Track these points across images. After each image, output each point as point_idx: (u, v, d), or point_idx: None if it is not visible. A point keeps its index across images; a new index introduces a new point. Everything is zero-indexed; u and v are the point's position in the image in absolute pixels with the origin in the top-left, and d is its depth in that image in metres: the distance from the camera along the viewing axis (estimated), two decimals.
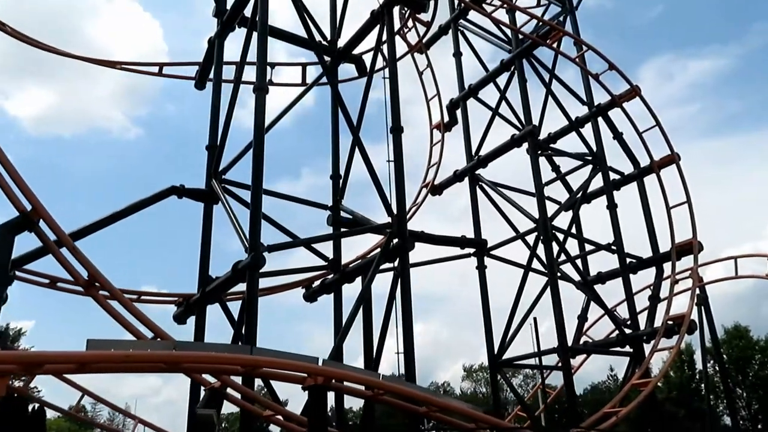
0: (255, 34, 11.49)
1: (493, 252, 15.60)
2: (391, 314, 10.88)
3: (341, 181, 13.46)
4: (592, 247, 17.10)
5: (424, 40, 19.25)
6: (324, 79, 14.66)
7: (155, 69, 15.00)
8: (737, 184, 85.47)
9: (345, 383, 6.38)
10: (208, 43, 14.22)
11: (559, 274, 15.88)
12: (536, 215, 14.44)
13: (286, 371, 6.05)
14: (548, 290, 15.76)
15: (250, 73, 16.33)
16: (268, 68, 16.28)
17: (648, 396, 12.08)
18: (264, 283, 14.64)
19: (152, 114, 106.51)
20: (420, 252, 14.97)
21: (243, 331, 10.07)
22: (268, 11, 11.56)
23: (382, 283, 11.68)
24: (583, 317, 16.62)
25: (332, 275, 13.11)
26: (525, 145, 16.92)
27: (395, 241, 11.15)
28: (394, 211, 11.27)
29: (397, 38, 18.57)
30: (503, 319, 14.70)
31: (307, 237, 11.60)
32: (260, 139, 10.28)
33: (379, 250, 11.51)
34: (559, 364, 15.66)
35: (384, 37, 12.89)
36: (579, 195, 16.68)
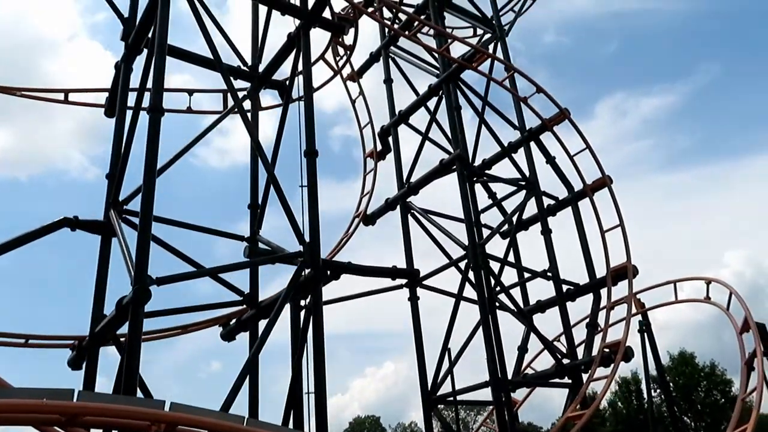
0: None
1: (426, 282, 14.92)
2: (303, 355, 10.04)
3: (258, 211, 12.69)
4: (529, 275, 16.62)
5: (356, 68, 18.94)
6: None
7: (61, 96, 14.01)
8: (695, 216, 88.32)
9: (197, 430, 5.46)
10: (114, 68, 13.38)
11: (498, 304, 15.51)
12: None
13: (120, 419, 5.14)
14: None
15: (167, 101, 15.55)
16: (186, 95, 15.82)
17: (583, 429, 11.38)
18: (173, 321, 13.62)
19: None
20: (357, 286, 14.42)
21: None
22: (167, 28, 10.82)
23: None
24: (523, 348, 16.02)
25: (249, 311, 12.22)
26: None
27: (307, 271, 10.37)
28: (306, 239, 10.50)
29: (325, 66, 18.32)
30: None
31: (209, 267, 10.63)
32: (152, 163, 9.40)
33: None
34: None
35: (300, 61, 12.36)
36: (514, 221, 16.31)
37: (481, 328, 13.28)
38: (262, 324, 12.21)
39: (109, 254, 10.98)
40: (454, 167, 14.30)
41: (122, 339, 10.98)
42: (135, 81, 12.14)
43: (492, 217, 17.44)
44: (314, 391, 9.52)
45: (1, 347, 11.44)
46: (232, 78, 14.54)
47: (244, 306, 12.47)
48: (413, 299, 14.51)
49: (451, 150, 15.29)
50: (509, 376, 15.10)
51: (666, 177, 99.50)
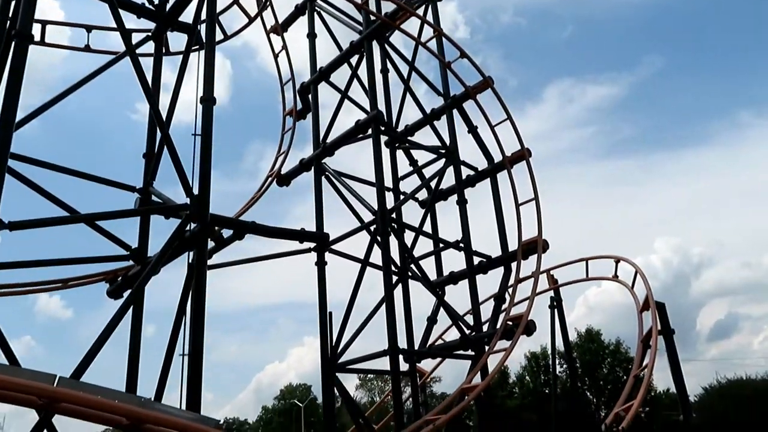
0: None
1: (336, 248, 14.39)
2: (183, 318, 9.37)
3: (153, 161, 11.77)
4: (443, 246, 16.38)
5: (280, 21, 17.95)
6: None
7: None
8: (630, 203, 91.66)
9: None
10: None
11: (410, 274, 15.22)
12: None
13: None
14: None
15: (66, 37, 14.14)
16: (84, 31, 14.50)
17: (476, 401, 11.26)
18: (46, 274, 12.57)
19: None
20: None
21: None
22: None
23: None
24: (432, 319, 15.79)
25: (135, 267, 11.41)
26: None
27: (193, 226, 9.65)
28: (195, 191, 9.74)
29: (252, 19, 17.25)
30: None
31: (85, 213, 9.69)
32: (14, 96, 8.38)
33: None
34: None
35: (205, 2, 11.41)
36: (433, 189, 15.99)
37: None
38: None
39: None
40: (369, 128, 13.70)
41: None
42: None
43: (413, 186, 17.04)
44: (190, 353, 8.90)
45: None
46: (139, 17, 13.52)
47: (132, 262, 11.67)
48: (320, 264, 13.94)
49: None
50: (416, 347, 15.03)
51: (606, 164, 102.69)
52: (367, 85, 14.33)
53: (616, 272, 17.77)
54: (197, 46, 12.15)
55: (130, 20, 13.06)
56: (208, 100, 10.43)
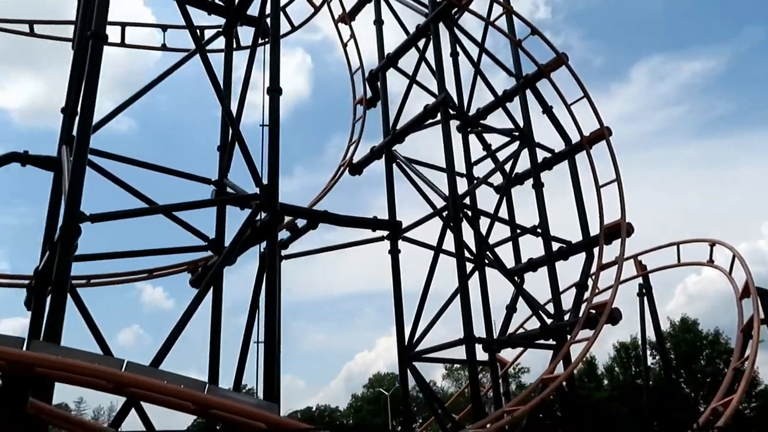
0: None
1: (408, 234, 14.21)
2: (257, 309, 9.50)
3: (227, 153, 12.03)
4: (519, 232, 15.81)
5: (347, 10, 17.89)
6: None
7: (26, 28, 13.27)
8: (731, 184, 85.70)
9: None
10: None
11: (487, 261, 14.81)
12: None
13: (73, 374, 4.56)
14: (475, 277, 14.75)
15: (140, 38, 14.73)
16: (159, 30, 15.00)
17: (559, 392, 10.76)
18: (129, 265, 13.06)
19: (144, 106, 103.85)
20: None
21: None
22: None
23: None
24: (511, 308, 15.27)
25: (213, 258, 11.70)
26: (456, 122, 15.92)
27: (263, 215, 9.73)
28: (264, 181, 9.81)
29: (317, 8, 17.28)
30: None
31: (164, 205, 9.96)
32: (92, 94, 8.72)
33: None
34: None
35: None
36: (507, 173, 15.44)
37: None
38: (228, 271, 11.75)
39: (61, 191, 10.47)
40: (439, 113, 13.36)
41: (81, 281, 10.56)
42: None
43: (488, 171, 16.49)
44: (264, 341, 8.99)
45: None
46: (209, 13, 13.81)
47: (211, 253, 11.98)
48: (394, 252, 13.81)
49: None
50: (495, 336, 14.60)
51: (698, 144, 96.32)
52: (434, 69, 13.96)
53: (712, 257, 16.54)
54: (265, 39, 12.27)
55: (201, 17, 13.36)
56: (274, 91, 10.46)
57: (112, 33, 13.75)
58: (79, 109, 8.70)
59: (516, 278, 14.94)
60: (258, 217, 9.87)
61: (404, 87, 15.48)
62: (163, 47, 14.61)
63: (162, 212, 9.93)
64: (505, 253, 15.69)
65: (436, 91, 15.04)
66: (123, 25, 13.87)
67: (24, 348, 4.54)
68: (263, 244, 9.97)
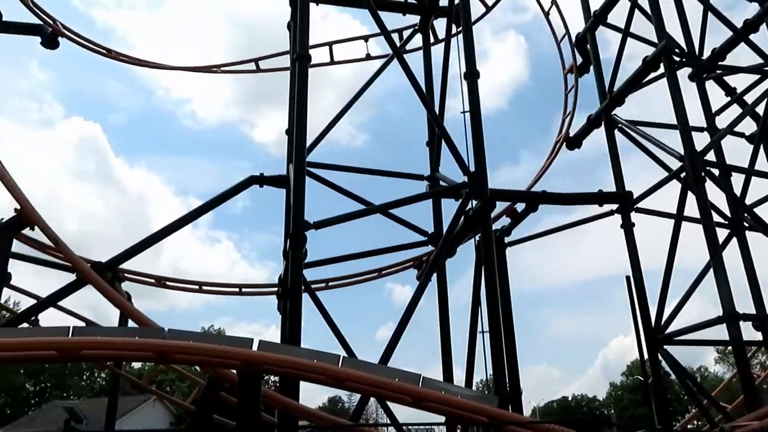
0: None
1: (641, 205, 12.74)
2: (479, 299, 9.35)
3: (435, 148, 12.15)
4: None
5: None
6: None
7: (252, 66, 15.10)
8: None
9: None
10: (287, 28, 13.81)
11: (746, 224, 12.68)
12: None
13: (204, 357, 5.14)
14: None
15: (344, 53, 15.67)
16: (362, 42, 15.77)
17: None
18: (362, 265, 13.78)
19: (374, 118, 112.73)
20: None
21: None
22: None
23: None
24: None
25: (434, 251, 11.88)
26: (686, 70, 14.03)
27: (474, 203, 9.54)
28: (471, 168, 9.62)
29: None
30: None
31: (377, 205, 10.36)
32: (302, 112, 9.47)
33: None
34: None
35: None
36: (762, 119, 12.95)
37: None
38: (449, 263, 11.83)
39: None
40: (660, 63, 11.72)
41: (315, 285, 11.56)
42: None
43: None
44: (489, 330, 8.78)
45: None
46: (404, 14, 14.13)
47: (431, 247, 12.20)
48: (627, 226, 12.48)
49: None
50: None
51: None
52: (650, 12, 12.29)
53: None
54: (459, 28, 12.11)
55: (395, 20, 13.69)
56: (472, 75, 10.25)
57: (321, 54, 14.93)
58: (294, 128, 9.45)
59: None
60: (470, 206, 9.72)
61: (617, 45, 13.99)
62: (367, 57, 15.35)
63: (378, 211, 10.34)
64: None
65: (655, 41, 13.33)
66: (330, 45, 14.91)
67: (255, 347, 5.03)
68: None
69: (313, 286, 11.44)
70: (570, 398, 73.80)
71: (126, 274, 11.73)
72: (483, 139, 9.77)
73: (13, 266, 8.89)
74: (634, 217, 12.58)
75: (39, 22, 12.66)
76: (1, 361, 5.02)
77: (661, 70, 12.00)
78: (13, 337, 4.72)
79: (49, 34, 12.55)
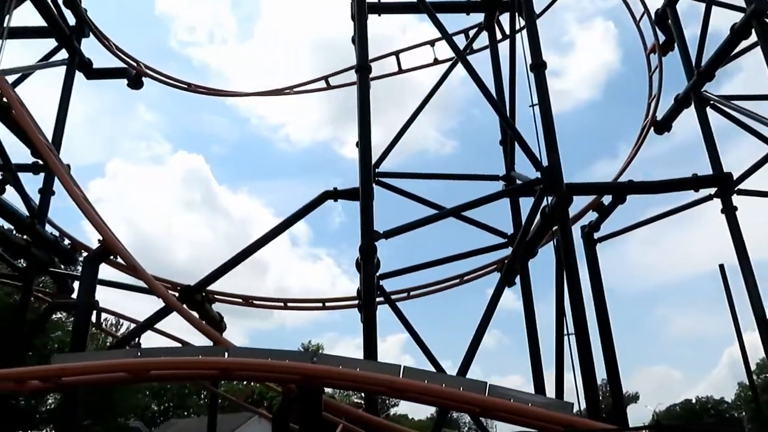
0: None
1: (742, 186, 11.61)
2: (563, 299, 8.86)
3: (508, 146, 11.75)
4: None
5: None
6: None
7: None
8: None
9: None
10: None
11: None
12: None
13: (264, 372, 5.11)
14: None
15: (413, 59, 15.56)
16: (429, 47, 15.60)
17: None
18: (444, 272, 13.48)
19: (462, 123, 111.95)
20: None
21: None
22: None
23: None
24: None
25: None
26: None
27: (550, 200, 9.09)
28: (543, 163, 9.19)
29: None
30: None
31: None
32: (365, 122, 9.47)
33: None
34: None
35: None
36: None
37: None
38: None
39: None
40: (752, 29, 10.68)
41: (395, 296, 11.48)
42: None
43: None
44: (575, 332, 8.28)
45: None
46: (468, 13, 13.89)
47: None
48: (729, 210, 11.41)
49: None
50: None
51: None
52: None
53: None
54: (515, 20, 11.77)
55: (457, 20, 13.45)
56: (538, 66, 9.84)
57: (390, 64, 14.95)
58: (359, 138, 9.46)
59: None
60: (545, 203, 9.28)
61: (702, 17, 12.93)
62: (435, 62, 15.15)
63: (451, 215, 10.10)
64: None
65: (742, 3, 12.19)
66: (396, 54, 14.89)
67: (312, 362, 5.01)
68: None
69: (394, 296, 11.36)
70: (694, 401, 68.73)
71: (216, 296, 12.22)
72: (554, 132, 9.31)
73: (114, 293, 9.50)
74: (739, 200, 11.51)
75: (124, 65, 13.62)
76: (76, 384, 5.33)
77: (754, 38, 10.96)
78: (88, 361, 5.01)
79: (134, 76, 13.48)
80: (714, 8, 12.31)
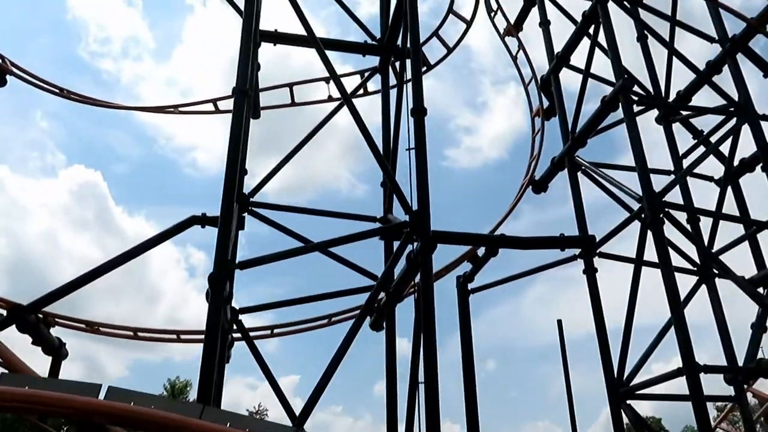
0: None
1: (604, 249, 12.20)
2: (420, 344, 8.69)
3: (388, 188, 11.67)
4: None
5: (512, 21, 16.84)
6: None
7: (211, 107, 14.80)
8: None
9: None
10: None
11: (716, 271, 12.20)
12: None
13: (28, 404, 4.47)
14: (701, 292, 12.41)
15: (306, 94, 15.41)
16: (324, 83, 15.53)
17: None
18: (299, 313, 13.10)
19: (374, 168, 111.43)
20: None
21: None
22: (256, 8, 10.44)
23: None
24: (759, 326, 12.11)
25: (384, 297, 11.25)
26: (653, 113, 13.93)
27: (415, 245, 9.00)
28: (413, 207, 9.12)
29: (485, 23, 16.58)
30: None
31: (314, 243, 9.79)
32: (236, 145, 9.04)
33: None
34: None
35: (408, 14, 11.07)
36: (728, 159, 12.61)
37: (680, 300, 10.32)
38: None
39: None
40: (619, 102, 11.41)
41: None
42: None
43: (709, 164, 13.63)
44: (425, 381, 8.10)
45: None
46: (364, 55, 13.93)
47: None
48: (589, 271, 11.90)
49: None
50: (740, 363, 11.67)
51: None
52: (609, 52, 12.04)
53: None
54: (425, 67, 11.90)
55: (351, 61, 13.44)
56: (419, 111, 9.89)
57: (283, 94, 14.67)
58: (226, 163, 9.00)
59: (761, 289, 11.91)
60: (412, 248, 9.19)
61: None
62: (329, 99, 15.08)
63: (317, 249, 9.77)
64: (741, 259, 12.66)
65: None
66: (290, 86, 14.67)
67: (102, 396, 4.40)
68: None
69: (254, 333, 10.77)
70: None
71: (57, 319, 11.07)
72: (427, 177, 9.30)
73: None
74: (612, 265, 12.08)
75: None
76: None
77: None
78: None
79: None
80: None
